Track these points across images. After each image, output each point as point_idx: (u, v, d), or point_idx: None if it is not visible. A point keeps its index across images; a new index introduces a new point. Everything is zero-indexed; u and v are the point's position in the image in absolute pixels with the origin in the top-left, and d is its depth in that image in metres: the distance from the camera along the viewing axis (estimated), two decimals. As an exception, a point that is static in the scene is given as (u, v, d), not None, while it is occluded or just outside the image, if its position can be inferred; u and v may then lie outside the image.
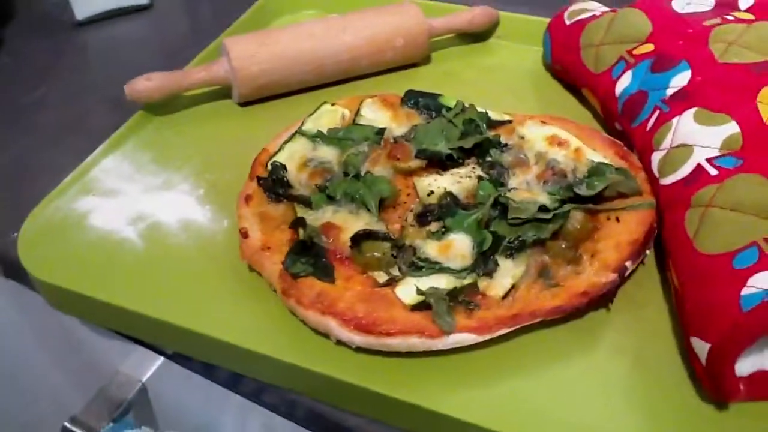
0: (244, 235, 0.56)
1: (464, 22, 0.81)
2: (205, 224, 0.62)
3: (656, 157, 0.57)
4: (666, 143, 0.56)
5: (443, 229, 0.55)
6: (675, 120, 0.57)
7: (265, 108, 0.76)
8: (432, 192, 0.58)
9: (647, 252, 0.55)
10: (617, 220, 0.56)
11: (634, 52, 0.65)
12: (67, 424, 0.68)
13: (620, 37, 0.67)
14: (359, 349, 0.49)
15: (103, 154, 0.69)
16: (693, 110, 0.56)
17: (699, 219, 0.49)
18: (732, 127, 0.53)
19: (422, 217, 0.56)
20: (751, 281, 0.44)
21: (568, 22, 0.73)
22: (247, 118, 0.75)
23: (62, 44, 0.95)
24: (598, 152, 0.61)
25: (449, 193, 0.58)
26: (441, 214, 0.56)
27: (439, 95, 0.68)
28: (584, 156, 0.61)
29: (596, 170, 0.59)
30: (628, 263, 0.53)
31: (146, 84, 0.71)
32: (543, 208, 0.55)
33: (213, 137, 0.72)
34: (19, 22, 0.98)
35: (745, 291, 0.43)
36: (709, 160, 0.52)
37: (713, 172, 0.51)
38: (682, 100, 0.58)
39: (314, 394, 0.52)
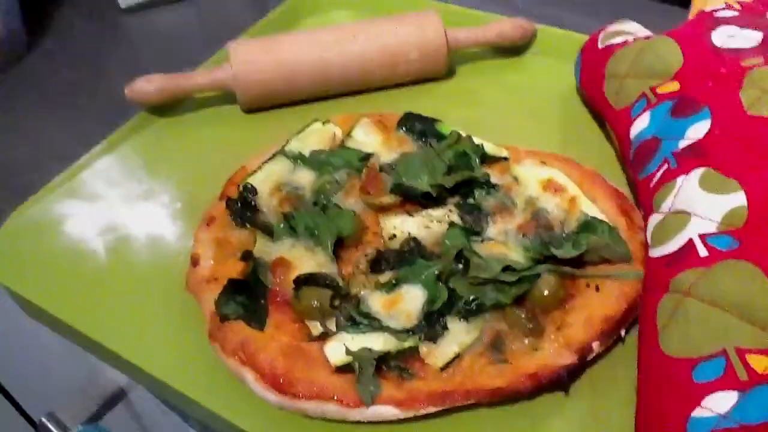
0: (194, 262, 0.54)
1: (492, 36, 0.74)
2: (171, 243, 0.60)
3: (653, 221, 0.49)
4: (666, 206, 0.49)
5: (395, 281, 0.50)
6: (680, 179, 0.49)
7: (272, 117, 0.73)
8: (394, 236, 0.53)
9: (622, 332, 0.48)
10: (597, 289, 0.49)
11: (658, 89, 0.56)
12: (43, 419, 0.68)
13: (647, 70, 0.58)
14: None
15: (96, 155, 0.69)
16: (702, 170, 0.48)
17: (672, 309, 0.42)
18: (738, 198, 0.45)
19: (376, 264, 0.51)
20: (706, 401, 0.37)
21: (600, 46, 0.65)
22: (252, 126, 0.72)
23: (106, 30, 0.97)
24: (597, 204, 0.54)
25: (413, 239, 0.53)
26: (397, 262, 0.51)
27: (437, 121, 0.62)
28: (578, 208, 0.54)
29: (586, 226, 0.52)
30: (595, 344, 0.46)
31: (147, 86, 0.69)
32: (508, 268, 0.49)
33: (211, 145, 0.70)
34: (66, 6, 1.00)
35: (696, 412, 0.36)
36: (702, 237, 0.44)
37: (703, 252, 0.43)
38: (693, 156, 0.49)
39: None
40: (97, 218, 0.62)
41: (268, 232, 0.55)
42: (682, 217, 0.47)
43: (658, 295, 0.44)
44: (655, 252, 0.47)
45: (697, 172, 0.48)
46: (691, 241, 0.45)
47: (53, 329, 0.59)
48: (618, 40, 0.64)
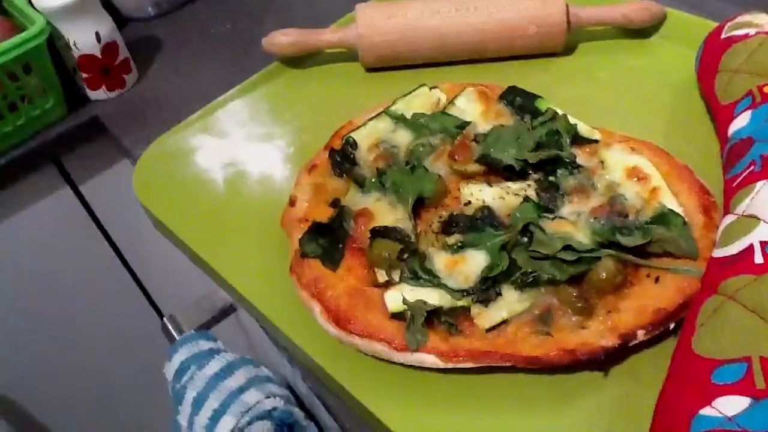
0: (291, 202, 0.60)
1: (617, 16, 0.73)
2: (279, 182, 0.67)
3: (725, 222, 0.49)
4: (740, 208, 0.48)
5: (460, 244, 0.54)
6: (760, 184, 0.48)
7: (393, 76, 0.77)
8: (469, 202, 0.56)
9: (671, 325, 0.48)
10: (656, 280, 0.50)
11: (765, 89, 0.55)
12: (165, 319, 0.80)
13: (759, 66, 0.56)
14: (341, 338, 0.52)
15: (231, 97, 0.77)
16: (783, 178, 0.47)
17: (714, 309, 0.43)
18: (811, 211, 0.44)
19: (447, 226, 0.55)
20: (717, 402, 0.38)
21: (723, 36, 0.63)
22: (372, 83, 0.77)
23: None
24: (679, 197, 0.54)
25: (486, 207, 0.56)
26: (467, 227, 0.55)
27: (538, 97, 0.64)
28: (658, 198, 0.54)
29: (661, 218, 0.53)
30: (640, 332, 0.48)
31: (282, 39, 0.76)
32: (569, 248, 0.51)
33: (331, 98, 0.76)
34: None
35: (704, 411, 0.38)
36: (763, 244, 0.44)
37: (759, 259, 0.43)
38: (779, 163, 0.48)
39: (298, 359, 0.55)
40: (223, 153, 0.71)
41: (360, 183, 0.60)
42: (751, 221, 0.46)
43: (706, 294, 0.45)
44: (717, 252, 0.47)
45: (778, 179, 0.47)
46: (751, 246, 0.44)
47: (175, 245, 0.68)
48: (741, 32, 0.61)
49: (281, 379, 0.76)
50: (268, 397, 0.70)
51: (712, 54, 0.63)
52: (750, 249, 0.44)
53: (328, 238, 0.56)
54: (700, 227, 0.52)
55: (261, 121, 0.74)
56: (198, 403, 0.70)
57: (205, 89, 0.82)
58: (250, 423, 0.68)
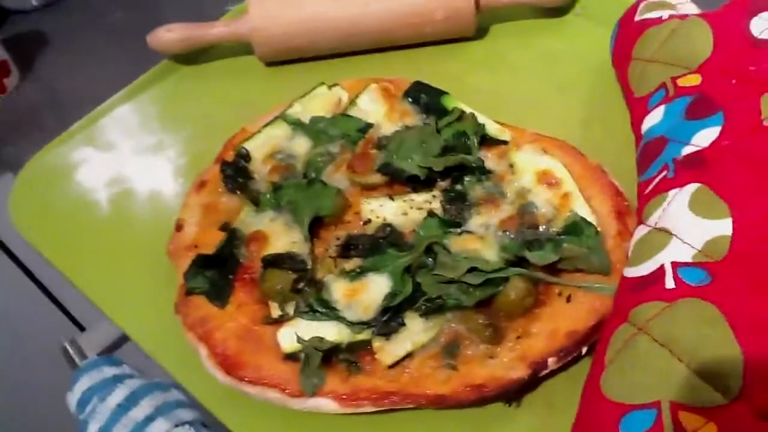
0: (178, 227, 0.55)
1: (528, -5, 0.68)
2: (169, 200, 0.61)
3: (637, 234, 0.46)
4: (653, 219, 0.45)
5: (360, 269, 0.49)
6: (672, 193, 0.44)
7: (295, 70, 0.71)
8: (370, 220, 0.52)
9: (584, 350, 0.45)
10: (568, 299, 0.47)
11: (679, 81, 0.51)
12: (66, 345, 0.74)
13: (673, 56, 0.53)
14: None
15: (117, 102, 0.70)
16: (695, 187, 0.43)
17: (624, 342, 0.39)
18: (724, 226, 0.40)
19: (345, 249, 0.51)
20: (626, 454, 0.34)
21: (636, 18, 0.59)
22: (272, 79, 0.71)
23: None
24: (592, 202, 0.51)
25: (388, 225, 0.51)
26: (368, 249, 0.50)
27: (444, 94, 0.59)
28: (570, 205, 0.50)
29: (572, 228, 0.49)
30: (551, 360, 0.44)
31: (167, 35, 0.69)
32: (475, 269, 0.47)
33: (228, 98, 0.69)
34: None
35: (611, 464, 0.34)
36: (674, 265, 0.40)
37: (670, 284, 0.40)
38: (692, 168, 0.45)
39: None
40: (107, 169, 0.64)
41: (255, 201, 0.55)
42: (663, 236, 0.43)
43: (616, 321, 0.41)
44: (628, 271, 0.44)
45: (691, 188, 0.43)
46: (662, 268, 0.41)
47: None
48: (654, 14, 0.57)
49: (194, 400, 0.71)
50: (178, 425, 0.65)
51: (625, 39, 0.59)
52: (661, 271, 0.41)
53: (215, 271, 0.50)
54: (614, 235, 0.49)
55: (150, 129, 0.67)
56: (101, 440, 0.65)
57: (97, 89, 0.75)
58: (159, 458, 0.63)
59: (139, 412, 0.66)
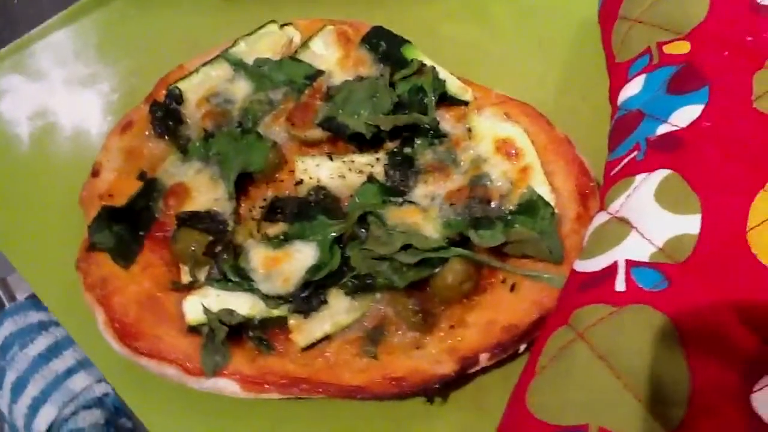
0: (94, 172, 0.49)
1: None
2: (93, 141, 0.55)
3: (596, 221, 0.40)
4: (615, 206, 0.39)
5: (284, 236, 0.44)
6: (640, 178, 0.39)
7: (248, 5, 0.64)
8: (302, 181, 0.46)
9: (521, 347, 0.40)
10: (512, 288, 0.41)
11: (666, 48, 0.44)
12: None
13: (662, 17, 0.46)
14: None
15: (54, 26, 0.63)
16: (666, 173, 0.37)
17: (560, 348, 0.34)
18: (691, 224, 0.35)
19: (271, 212, 0.45)
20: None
21: (628, -29, 0.52)
22: (223, 13, 0.64)
23: None
24: (553, 179, 0.45)
25: (321, 188, 0.46)
26: (295, 214, 0.44)
27: (405, 43, 0.52)
28: (528, 180, 0.44)
29: (527, 206, 0.43)
30: (483, 356, 0.39)
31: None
32: (410, 247, 0.41)
33: (175, 31, 0.63)
34: None
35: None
36: (629, 264, 0.35)
37: (620, 286, 0.34)
38: (664, 150, 0.39)
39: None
40: (33, 100, 0.58)
41: (183, 150, 0.49)
42: (622, 227, 0.37)
43: (556, 322, 0.36)
44: (579, 264, 0.38)
45: (660, 174, 0.38)
46: (615, 265, 0.36)
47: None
48: (648, -32, 0.50)
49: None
50: (100, 381, 0.61)
51: (614, -6, 0.52)
52: (613, 269, 0.35)
53: (124, 225, 0.45)
54: (572, 219, 0.43)
55: (85, 59, 0.61)
56: (17, 389, 0.61)
57: (33, 12, 0.68)
58: (75, 413, 0.59)
59: (60, 363, 0.62)
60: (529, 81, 0.55)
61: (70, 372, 0.61)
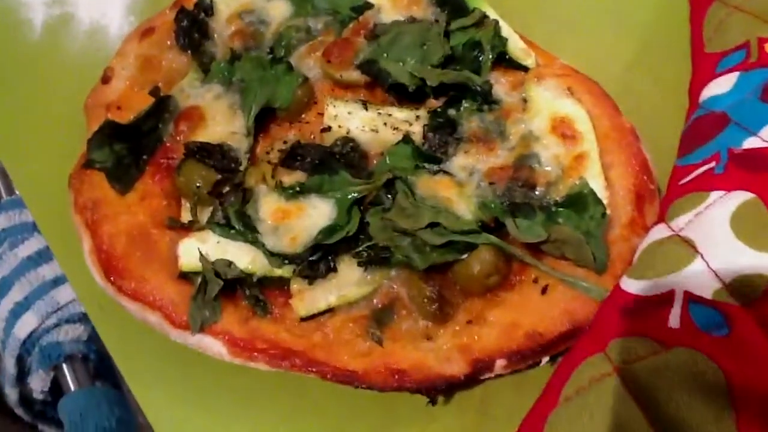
0: (105, 78, 0.44)
1: None
2: (109, 41, 0.50)
3: (654, 235, 0.35)
4: (679, 222, 0.34)
5: (300, 187, 0.39)
6: (715, 195, 0.33)
7: None
8: (330, 128, 0.41)
9: (544, 360, 0.36)
10: (543, 290, 0.37)
11: (767, 47, 0.38)
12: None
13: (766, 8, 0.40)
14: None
15: None
16: (746, 197, 0.32)
17: (589, 381, 0.30)
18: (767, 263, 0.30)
19: (290, 157, 0.40)
20: None
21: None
22: None
23: None
24: (610, 173, 0.40)
25: (350, 140, 0.41)
26: (315, 165, 0.40)
27: (469, -12, 0.46)
28: (582, 170, 0.39)
29: (576, 200, 0.38)
30: (499, 363, 0.35)
31: None
32: (437, 225, 0.37)
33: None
34: None
35: None
36: (687, 297, 0.30)
37: (674, 321, 0.30)
38: (749, 170, 0.33)
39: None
40: (52, -18, 0.52)
41: (205, 68, 0.44)
42: (685, 251, 0.32)
43: (591, 346, 0.32)
44: (627, 282, 0.33)
45: (740, 197, 0.32)
46: (671, 294, 0.31)
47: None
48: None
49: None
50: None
51: (716, -29, 0.45)
52: (668, 299, 0.31)
53: (127, 144, 0.40)
54: (624, 224, 0.38)
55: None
56: (0, 290, 0.58)
57: None
58: (57, 325, 0.56)
59: (49, 270, 0.58)
60: (596, 51, 0.49)
61: (57, 281, 0.58)
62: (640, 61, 0.49)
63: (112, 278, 0.37)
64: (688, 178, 0.36)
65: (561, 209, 0.38)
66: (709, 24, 0.42)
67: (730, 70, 0.39)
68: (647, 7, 0.50)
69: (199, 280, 0.36)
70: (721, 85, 0.39)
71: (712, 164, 0.35)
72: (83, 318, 0.57)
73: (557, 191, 0.39)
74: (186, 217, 0.39)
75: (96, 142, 0.40)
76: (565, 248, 0.36)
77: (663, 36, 0.48)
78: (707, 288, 0.30)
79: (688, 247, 0.32)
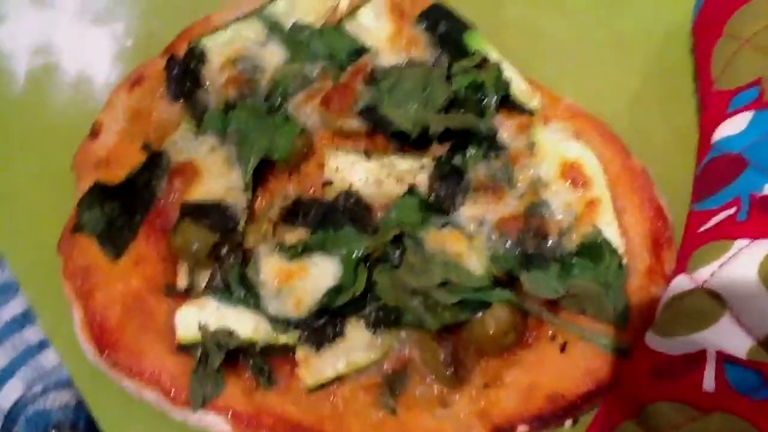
0: (94, 132, 0.42)
1: None
2: (97, 91, 0.48)
3: (677, 286, 0.33)
4: (703, 274, 0.32)
5: (304, 246, 0.37)
6: (739, 245, 0.32)
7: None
8: (331, 182, 0.39)
9: (567, 423, 0.34)
10: (562, 348, 0.35)
11: (784, 83, 0.37)
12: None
13: (783, 44, 0.38)
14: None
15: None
16: (775, 246, 0.31)
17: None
18: (804, 320, 0.28)
19: (291, 214, 0.38)
20: None
21: (741, -22, 0.44)
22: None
23: None
24: (624, 218, 0.38)
25: (353, 194, 0.39)
26: (318, 221, 0.38)
27: (468, 29, 0.45)
28: (595, 217, 0.38)
29: (590, 250, 0.37)
30: (521, 428, 0.33)
31: None
32: (449, 283, 0.35)
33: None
34: None
35: None
36: (721, 357, 0.29)
37: (709, 383, 0.28)
38: (775, 217, 0.32)
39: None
40: (37, 30, 0.51)
41: (198, 118, 0.43)
42: (712, 306, 0.31)
43: (622, 412, 0.30)
44: (654, 340, 0.32)
45: (766, 246, 0.31)
46: (702, 354, 0.29)
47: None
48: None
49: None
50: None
51: (719, 4, 0.44)
52: (700, 359, 0.29)
53: (118, 204, 0.38)
54: (642, 273, 0.36)
55: (106, -13, 0.53)
56: (-17, 356, 0.56)
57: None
58: (44, 392, 0.53)
59: (34, 334, 0.56)
60: (599, 87, 0.47)
61: (42, 345, 0.55)
62: (646, 96, 0.47)
63: (106, 353, 0.34)
64: (708, 225, 0.34)
65: (576, 260, 0.37)
66: (718, 60, 0.41)
67: (743, 109, 0.38)
68: (650, 40, 0.49)
69: (199, 352, 0.34)
70: (734, 125, 0.37)
71: (733, 210, 0.34)
72: (72, 382, 0.55)
73: (570, 240, 0.37)
74: (183, 281, 0.37)
75: (85, 204, 0.38)
76: (583, 303, 0.35)
77: (671, 70, 0.47)
78: (741, 346, 0.29)
79: (716, 302, 0.31)
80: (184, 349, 0.35)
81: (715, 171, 0.36)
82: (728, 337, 0.29)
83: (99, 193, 0.38)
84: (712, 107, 0.40)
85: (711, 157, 0.38)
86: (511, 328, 0.35)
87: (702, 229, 0.34)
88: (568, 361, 0.34)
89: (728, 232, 0.33)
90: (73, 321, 0.36)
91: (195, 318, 0.35)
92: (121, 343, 0.34)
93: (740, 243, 0.32)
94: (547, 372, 0.34)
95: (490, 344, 0.35)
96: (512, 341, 0.35)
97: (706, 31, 0.44)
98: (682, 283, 0.33)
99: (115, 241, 0.37)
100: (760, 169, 0.34)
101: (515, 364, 0.35)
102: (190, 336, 0.35)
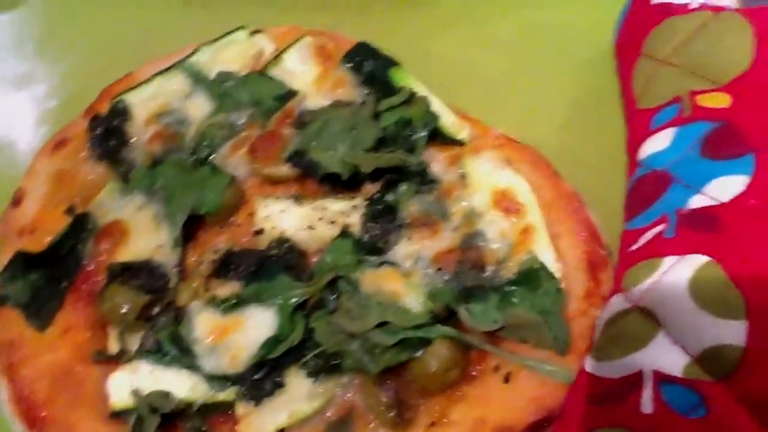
0: (16, 200, 0.41)
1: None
2: (19, 156, 0.47)
3: (613, 308, 0.33)
4: (636, 293, 0.32)
5: (237, 299, 0.36)
6: (669, 262, 0.32)
7: (215, 6, 0.56)
8: (262, 230, 0.39)
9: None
10: (506, 379, 0.34)
11: (700, 99, 0.38)
12: None
13: (696, 61, 0.39)
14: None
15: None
16: (702, 261, 0.31)
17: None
18: (735, 331, 0.28)
19: (223, 268, 0.38)
20: None
21: (653, 1, 0.45)
22: (186, 15, 0.56)
23: None
24: (559, 243, 0.38)
25: (285, 241, 0.38)
26: (251, 272, 0.37)
27: (393, 65, 0.45)
28: (530, 244, 0.38)
29: (528, 277, 0.37)
30: (471, 466, 0.32)
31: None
32: (386, 324, 0.34)
33: (128, 29, 0.54)
34: None
35: None
36: (657, 378, 0.28)
37: (647, 407, 0.28)
38: (700, 230, 0.32)
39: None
40: (-46, 100, 0.50)
41: (124, 177, 0.42)
42: (646, 325, 0.31)
43: (565, 440, 0.29)
44: (593, 366, 0.31)
45: (695, 262, 0.31)
46: (639, 375, 0.29)
47: None
48: (679, 0, 0.43)
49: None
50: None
51: (636, 25, 0.45)
52: (637, 380, 0.29)
53: (43, 273, 0.37)
54: (580, 297, 0.36)
55: (23, 54, 0.53)
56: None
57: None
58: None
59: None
60: (530, 115, 0.48)
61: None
62: (576, 120, 0.48)
63: (36, 428, 0.33)
64: (640, 243, 0.34)
65: (514, 288, 0.36)
66: (639, 79, 0.42)
67: (665, 126, 0.38)
68: (576, 64, 0.50)
69: (134, 418, 0.33)
70: (658, 142, 0.38)
71: (662, 227, 0.34)
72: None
73: (508, 269, 0.37)
74: (114, 347, 0.36)
75: (8, 275, 0.37)
76: (523, 332, 0.35)
77: (598, 94, 0.48)
78: (677, 364, 0.29)
79: (650, 320, 0.31)
80: (118, 415, 0.33)
81: (643, 188, 0.37)
82: (664, 355, 0.29)
83: (22, 263, 0.37)
84: (636, 125, 0.41)
85: (639, 174, 0.38)
86: (453, 364, 0.34)
87: (634, 247, 0.34)
88: (514, 391, 0.34)
89: (657, 249, 0.33)
90: (0, 397, 0.34)
91: (128, 383, 0.34)
92: (51, 418, 0.33)
93: (669, 260, 0.32)
94: (493, 405, 0.34)
95: (433, 382, 0.34)
96: (455, 377, 0.34)
97: (626, 51, 0.45)
98: (617, 302, 0.33)
99: (40, 311, 0.36)
100: (685, 184, 0.35)
101: (460, 400, 0.34)
102: (123, 402, 0.33)
